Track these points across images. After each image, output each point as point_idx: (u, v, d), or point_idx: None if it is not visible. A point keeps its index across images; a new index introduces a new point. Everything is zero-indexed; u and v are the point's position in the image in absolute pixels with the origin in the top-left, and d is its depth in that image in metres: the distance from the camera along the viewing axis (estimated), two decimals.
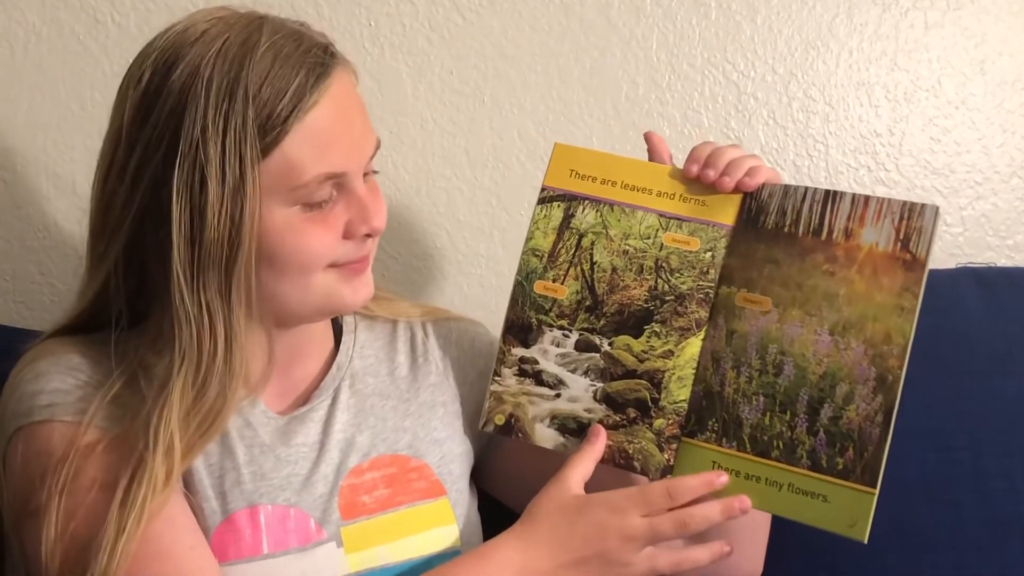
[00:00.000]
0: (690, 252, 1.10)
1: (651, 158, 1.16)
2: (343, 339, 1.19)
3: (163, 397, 0.99)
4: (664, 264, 1.11)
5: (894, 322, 1.01)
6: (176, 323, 0.99)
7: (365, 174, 1.07)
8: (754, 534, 1.14)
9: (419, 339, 1.22)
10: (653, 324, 1.10)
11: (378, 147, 1.08)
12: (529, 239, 1.15)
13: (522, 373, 1.13)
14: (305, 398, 1.14)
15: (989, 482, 1.30)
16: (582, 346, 1.12)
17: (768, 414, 1.04)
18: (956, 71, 1.56)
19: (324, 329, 1.17)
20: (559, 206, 1.14)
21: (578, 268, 1.13)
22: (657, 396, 1.08)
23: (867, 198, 1.05)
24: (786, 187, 1.08)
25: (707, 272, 1.09)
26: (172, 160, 0.98)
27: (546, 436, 1.11)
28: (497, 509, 1.21)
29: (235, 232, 0.98)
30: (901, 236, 1.03)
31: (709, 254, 1.10)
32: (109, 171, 1.03)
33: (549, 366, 1.12)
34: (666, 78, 1.54)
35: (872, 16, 1.54)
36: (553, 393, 1.12)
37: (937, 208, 1.02)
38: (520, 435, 1.12)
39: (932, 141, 1.56)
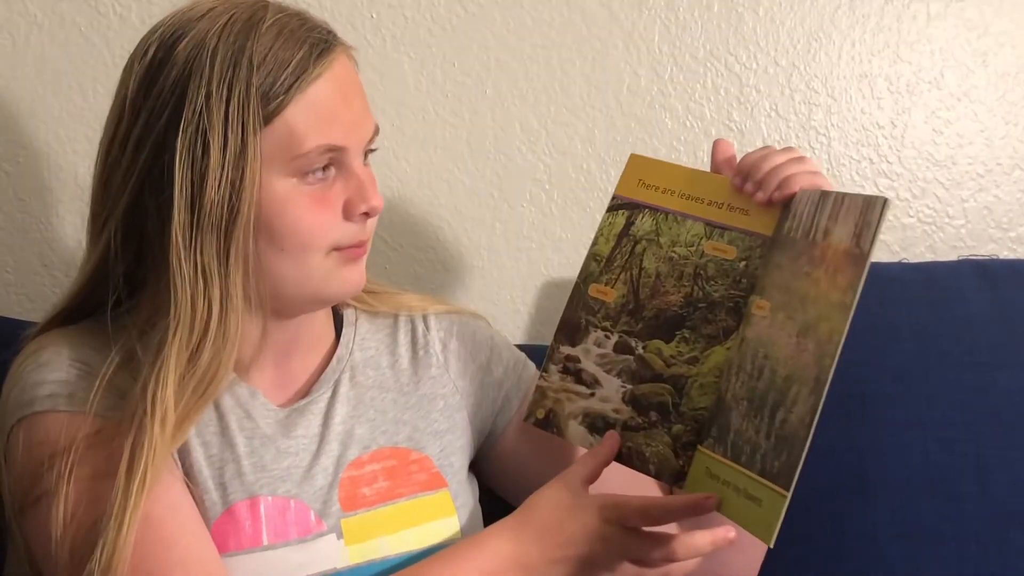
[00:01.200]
0: (726, 260, 1.10)
1: (712, 167, 1.16)
2: (344, 331, 1.19)
3: (160, 361, 1.00)
4: (702, 271, 1.11)
5: (836, 320, 0.95)
6: (172, 287, 1.00)
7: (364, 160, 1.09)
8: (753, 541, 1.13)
9: (419, 332, 1.22)
10: (684, 330, 1.10)
11: (376, 132, 1.09)
12: (593, 244, 1.16)
13: (565, 371, 1.14)
14: (305, 390, 1.15)
15: (990, 474, 1.30)
16: (620, 348, 1.12)
17: (746, 419, 1.01)
18: (958, 63, 1.55)
19: (324, 322, 1.18)
20: (623, 214, 1.16)
21: (628, 273, 1.14)
22: (678, 401, 1.08)
23: (843, 196, 1.01)
24: (804, 192, 1.06)
25: (740, 281, 1.09)
26: (176, 126, 1.00)
27: (577, 433, 1.12)
28: (500, 502, 1.21)
29: (235, 198, 1.00)
30: (856, 231, 0.98)
31: (744, 263, 1.09)
32: (111, 144, 1.05)
33: (589, 365, 1.13)
34: (668, 70, 1.54)
35: (874, 7, 1.54)
36: (588, 392, 1.12)
37: (885, 200, 0.96)
38: (556, 430, 1.13)
39: (934, 133, 1.56)
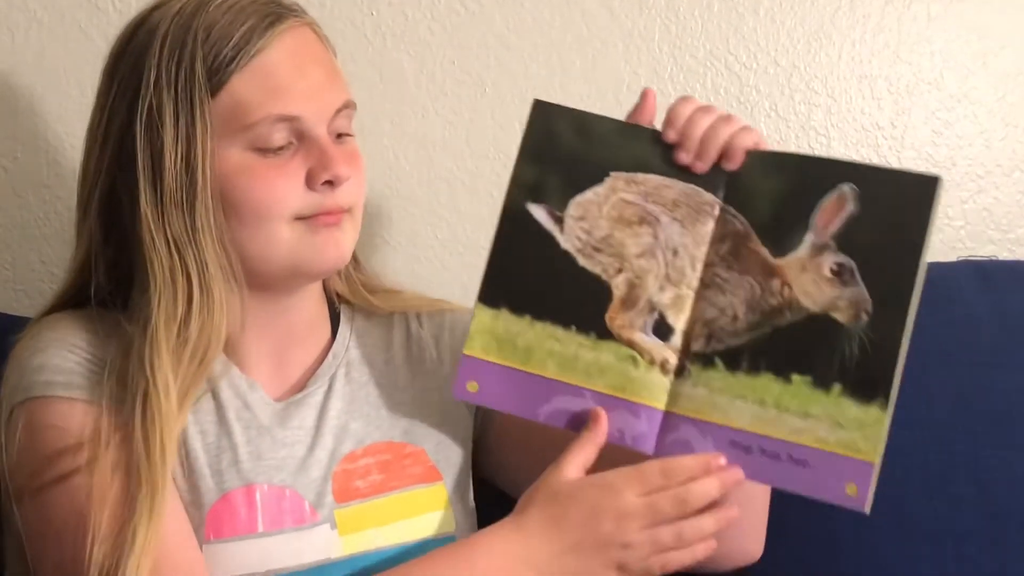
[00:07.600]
0: None
1: (633, 114, 1.12)
2: (340, 328, 1.20)
3: (149, 334, 1.02)
4: None
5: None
6: (149, 262, 1.04)
7: (340, 135, 1.10)
8: (753, 509, 1.12)
9: (413, 329, 1.23)
10: None
11: (348, 107, 1.10)
12: None
13: None
14: (301, 384, 1.15)
15: (988, 474, 1.30)
16: None
17: None
18: (958, 64, 1.55)
19: (319, 316, 1.19)
20: None
21: None
22: None
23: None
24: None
25: None
26: (134, 110, 1.05)
27: None
28: (496, 500, 1.21)
29: (190, 171, 1.03)
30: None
31: None
32: (88, 136, 1.11)
33: None
34: (668, 70, 1.54)
35: (875, 8, 1.54)
36: None
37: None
38: None
39: (934, 134, 1.56)
